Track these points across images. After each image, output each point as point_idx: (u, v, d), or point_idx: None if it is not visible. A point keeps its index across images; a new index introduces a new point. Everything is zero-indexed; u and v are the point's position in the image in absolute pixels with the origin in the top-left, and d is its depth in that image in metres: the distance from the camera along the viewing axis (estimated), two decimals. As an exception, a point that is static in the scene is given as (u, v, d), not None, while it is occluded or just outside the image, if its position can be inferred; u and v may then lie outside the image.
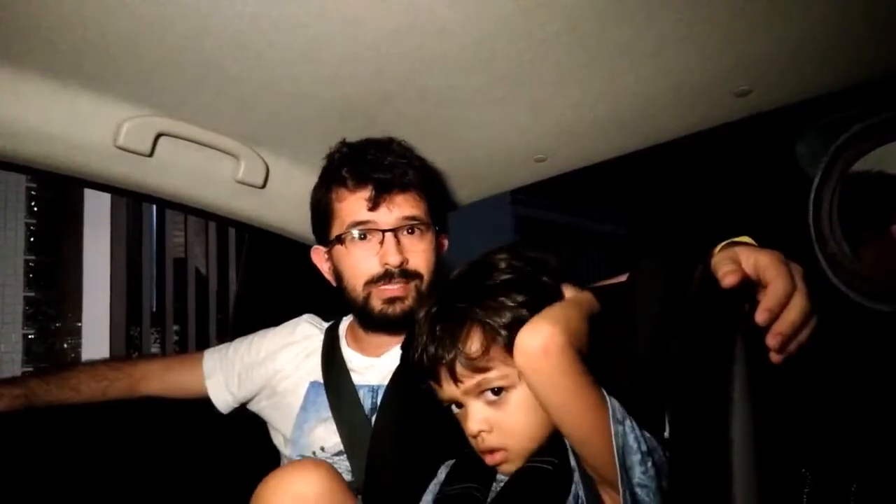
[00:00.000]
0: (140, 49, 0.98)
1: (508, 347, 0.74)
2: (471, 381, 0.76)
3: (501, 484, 0.81)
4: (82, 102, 1.10)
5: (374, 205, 1.14)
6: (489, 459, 0.78)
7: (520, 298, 0.77)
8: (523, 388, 0.76)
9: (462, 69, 1.05)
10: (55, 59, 1.00)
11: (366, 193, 1.14)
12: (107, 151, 1.16)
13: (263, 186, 1.35)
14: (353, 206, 1.16)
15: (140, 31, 0.93)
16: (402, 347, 0.92)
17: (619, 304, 0.83)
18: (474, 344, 0.76)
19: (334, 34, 0.95)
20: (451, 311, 0.79)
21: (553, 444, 0.78)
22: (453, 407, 0.82)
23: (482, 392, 0.77)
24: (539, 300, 0.76)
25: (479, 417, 0.77)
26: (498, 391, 0.76)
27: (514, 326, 0.74)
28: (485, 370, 0.76)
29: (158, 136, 1.18)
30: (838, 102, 1.08)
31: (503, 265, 0.82)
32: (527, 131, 1.25)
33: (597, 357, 0.79)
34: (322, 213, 1.21)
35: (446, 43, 0.98)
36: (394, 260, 1.12)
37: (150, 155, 1.19)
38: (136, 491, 1.27)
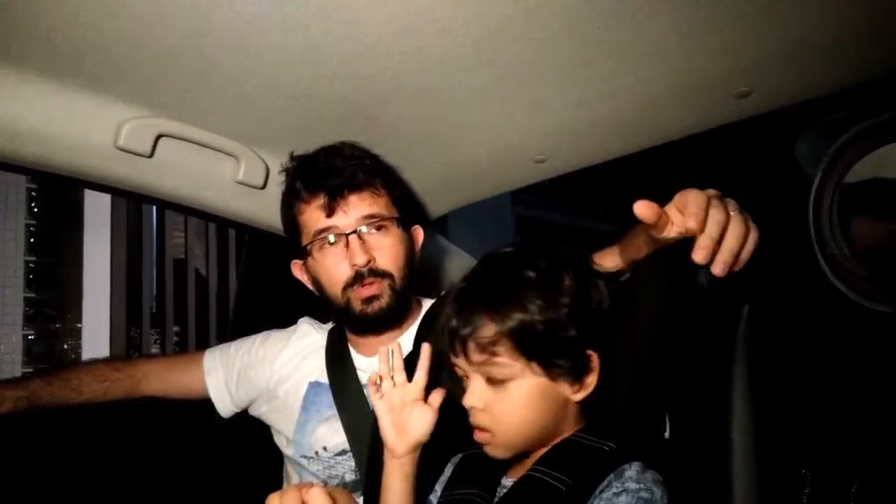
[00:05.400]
0: (140, 49, 0.98)
1: (515, 344, 0.76)
2: (478, 358, 0.78)
3: (505, 490, 0.80)
4: (82, 103, 1.10)
5: (329, 210, 1.15)
6: (476, 436, 0.80)
7: (538, 302, 0.78)
8: (524, 383, 0.77)
9: (462, 69, 1.05)
10: (55, 60, 1.00)
11: (320, 201, 1.15)
12: (107, 152, 1.16)
13: (264, 187, 1.35)
14: (311, 215, 1.17)
15: (140, 32, 0.93)
16: (428, 316, 0.98)
17: (620, 304, 0.83)
18: (486, 331, 0.77)
19: (334, 35, 0.95)
20: (476, 294, 0.81)
21: (570, 458, 0.77)
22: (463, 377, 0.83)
23: (483, 374, 0.79)
24: (557, 305, 0.78)
25: (476, 394, 0.79)
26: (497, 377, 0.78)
27: (524, 327, 0.76)
28: (492, 354, 0.78)
29: (159, 137, 1.18)
30: (838, 102, 1.08)
31: (532, 264, 0.81)
32: (527, 131, 1.25)
33: (599, 355, 0.79)
34: (290, 229, 1.23)
35: (446, 43, 0.98)
36: (360, 260, 1.13)
37: (151, 156, 1.19)
38: (139, 492, 1.28)
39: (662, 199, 0.78)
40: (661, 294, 0.81)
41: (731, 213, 0.75)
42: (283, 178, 1.25)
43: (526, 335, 0.76)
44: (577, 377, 0.78)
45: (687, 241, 0.79)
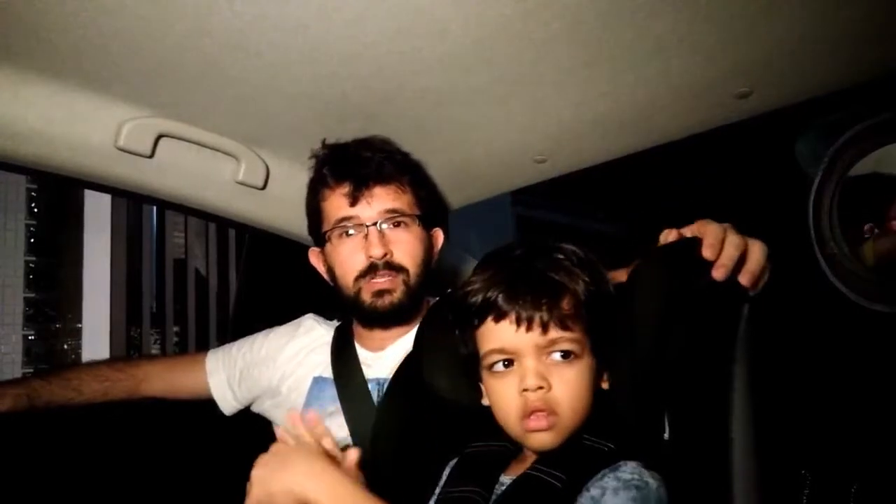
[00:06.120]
0: (140, 49, 0.98)
1: (587, 314, 0.78)
2: (556, 334, 0.77)
3: (503, 487, 0.80)
4: (82, 103, 1.10)
5: (353, 200, 1.15)
6: (534, 423, 0.77)
7: (585, 273, 0.80)
8: (586, 362, 0.78)
9: (462, 69, 1.05)
10: (55, 60, 1.00)
11: (345, 189, 1.16)
12: (107, 152, 1.16)
13: (264, 187, 1.35)
14: (335, 203, 1.17)
15: (140, 32, 0.94)
16: (429, 319, 0.98)
17: (620, 304, 0.83)
18: (567, 302, 0.78)
19: (334, 34, 0.95)
20: (536, 269, 0.79)
21: (570, 458, 0.77)
22: (499, 365, 0.79)
23: (551, 352, 0.77)
24: (598, 280, 0.81)
25: (539, 373, 0.77)
26: (567, 354, 0.77)
27: (589, 292, 0.78)
28: (569, 329, 0.77)
29: (159, 137, 1.18)
30: (838, 102, 1.08)
31: (562, 247, 0.83)
32: (527, 131, 1.25)
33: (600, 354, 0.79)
34: (312, 215, 1.23)
35: (446, 43, 0.98)
36: (377, 252, 1.13)
37: (151, 156, 1.19)
38: (136, 487, 1.28)
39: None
40: (661, 294, 0.81)
41: (748, 240, 0.80)
42: (286, 176, 1.25)
43: (593, 301, 0.78)
44: (611, 365, 0.80)
45: (688, 243, 0.80)
